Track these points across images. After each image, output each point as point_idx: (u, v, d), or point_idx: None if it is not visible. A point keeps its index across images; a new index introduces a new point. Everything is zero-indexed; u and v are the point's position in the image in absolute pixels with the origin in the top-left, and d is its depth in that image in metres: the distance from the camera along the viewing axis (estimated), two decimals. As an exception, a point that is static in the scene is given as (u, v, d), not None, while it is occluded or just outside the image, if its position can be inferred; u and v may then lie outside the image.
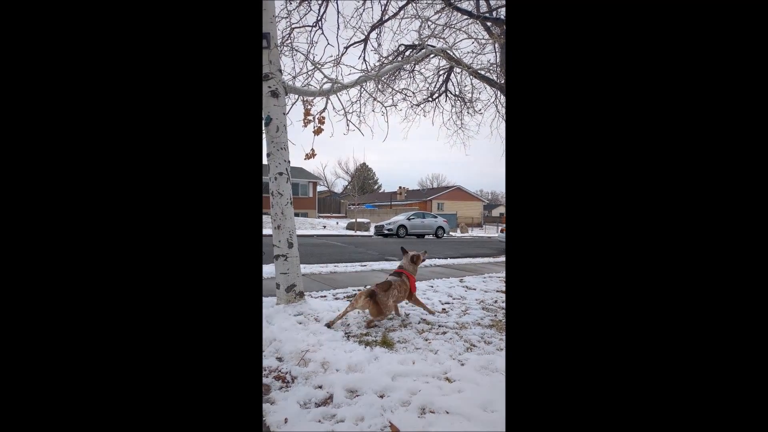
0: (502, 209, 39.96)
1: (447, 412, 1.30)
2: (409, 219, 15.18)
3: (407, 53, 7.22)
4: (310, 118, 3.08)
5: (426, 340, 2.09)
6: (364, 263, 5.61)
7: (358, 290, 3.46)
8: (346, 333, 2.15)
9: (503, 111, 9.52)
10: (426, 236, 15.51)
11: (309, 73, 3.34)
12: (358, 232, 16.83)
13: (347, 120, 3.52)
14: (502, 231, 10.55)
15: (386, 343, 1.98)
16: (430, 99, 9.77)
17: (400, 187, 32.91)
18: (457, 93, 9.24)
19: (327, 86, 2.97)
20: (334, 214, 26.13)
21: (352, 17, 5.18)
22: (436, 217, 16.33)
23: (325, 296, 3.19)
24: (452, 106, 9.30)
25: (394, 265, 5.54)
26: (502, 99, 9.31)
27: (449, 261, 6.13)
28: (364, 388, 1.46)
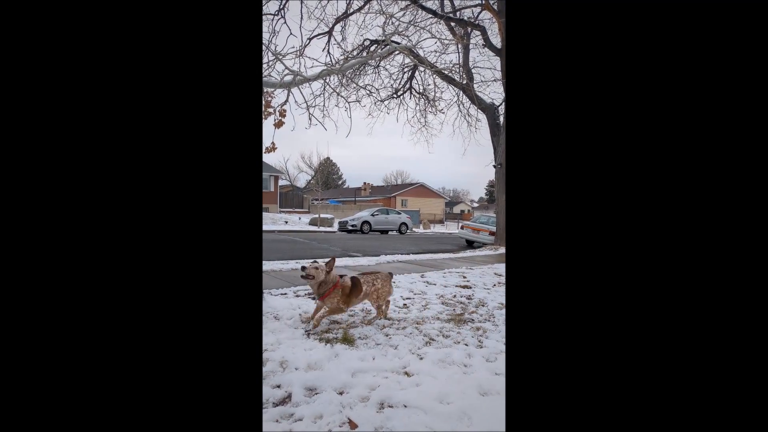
0: (462, 206, 41.43)
1: (405, 406, 1.33)
2: (373, 215, 15.21)
3: (372, 48, 7.18)
4: (271, 110, 2.96)
5: (386, 335, 2.12)
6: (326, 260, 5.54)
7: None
8: (306, 331, 2.12)
9: (465, 111, 9.85)
10: (389, 232, 15.65)
11: (269, 63, 3.20)
12: (322, 228, 16.56)
13: (309, 114, 3.44)
14: (462, 228, 10.94)
15: (347, 340, 1.98)
16: (395, 96, 9.84)
17: (364, 183, 32.81)
18: (421, 91, 9.38)
19: (288, 78, 2.87)
20: (296, 209, 25.46)
21: (316, 8, 5.04)
22: (399, 213, 16.53)
23: (285, 294, 3.11)
24: (416, 103, 9.44)
25: (357, 260, 5.52)
26: (464, 99, 9.64)
27: (411, 257, 6.25)
28: (324, 386, 1.45)
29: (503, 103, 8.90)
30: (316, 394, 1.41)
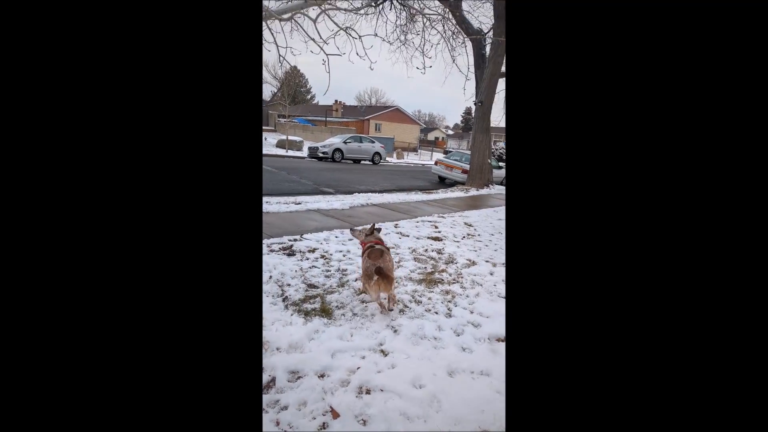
0: (438, 133, 40.66)
1: (382, 390, 1.47)
2: (345, 142, 14.58)
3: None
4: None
5: (363, 302, 2.22)
6: (298, 200, 5.41)
7: (294, 240, 3.36)
8: (283, 301, 2.16)
9: (449, 33, 8.90)
10: (362, 161, 15.30)
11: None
12: (290, 152, 15.79)
13: (269, 28, 2.93)
14: (436, 164, 10.88)
15: (325, 311, 2.05)
16: (373, 4, 8.53)
17: (336, 101, 30.53)
18: (402, 2, 8.18)
19: None
20: (262, 127, 23.64)
21: None
22: (373, 142, 15.96)
23: (258, 248, 3.06)
24: (397, 17, 8.31)
25: (330, 200, 5.45)
26: (451, 17, 8.60)
27: (385, 197, 6.26)
28: (306, 369, 1.54)
29: (491, 30, 8.10)
30: (299, 378, 1.51)
